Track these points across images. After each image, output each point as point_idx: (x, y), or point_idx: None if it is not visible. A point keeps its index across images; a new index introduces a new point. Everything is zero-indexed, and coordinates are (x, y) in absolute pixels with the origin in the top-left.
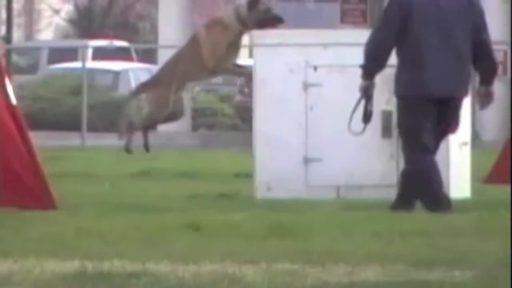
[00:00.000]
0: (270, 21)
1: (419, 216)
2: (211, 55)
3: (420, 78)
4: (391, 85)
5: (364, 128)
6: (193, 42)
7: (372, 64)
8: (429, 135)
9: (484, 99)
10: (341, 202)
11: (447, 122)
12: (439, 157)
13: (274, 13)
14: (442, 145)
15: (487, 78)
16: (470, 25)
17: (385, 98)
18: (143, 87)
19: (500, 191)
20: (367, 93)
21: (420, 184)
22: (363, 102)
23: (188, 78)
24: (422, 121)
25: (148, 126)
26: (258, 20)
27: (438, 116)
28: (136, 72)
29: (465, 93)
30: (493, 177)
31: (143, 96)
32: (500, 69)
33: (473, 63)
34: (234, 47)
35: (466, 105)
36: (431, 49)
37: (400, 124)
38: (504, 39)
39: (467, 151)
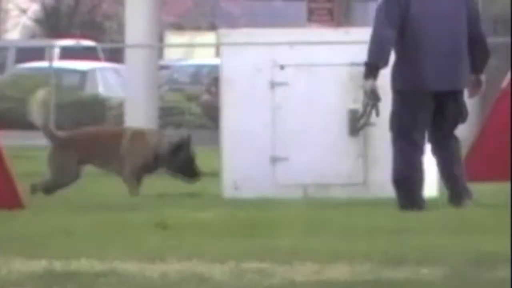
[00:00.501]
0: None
1: (387, 214)
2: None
3: (417, 72)
4: (358, 84)
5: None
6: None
7: (377, 61)
8: (421, 133)
9: (474, 87)
10: (308, 201)
11: (453, 113)
12: None
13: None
14: None
15: (479, 66)
16: (465, 18)
17: (352, 96)
18: None
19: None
20: (374, 95)
21: (402, 181)
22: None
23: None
24: (415, 118)
25: None
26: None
27: (440, 109)
28: (103, 72)
29: (463, 85)
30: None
31: None
32: None
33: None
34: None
35: None
36: (428, 42)
37: (393, 119)
38: None
39: None
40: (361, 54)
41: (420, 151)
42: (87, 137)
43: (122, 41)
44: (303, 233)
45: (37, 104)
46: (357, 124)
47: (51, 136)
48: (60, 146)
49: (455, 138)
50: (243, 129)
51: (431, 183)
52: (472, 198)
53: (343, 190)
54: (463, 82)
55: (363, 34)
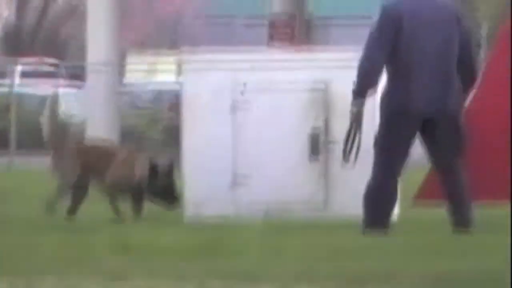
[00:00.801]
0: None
1: (348, 234)
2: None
3: (406, 95)
4: (319, 106)
5: (356, 157)
6: None
7: (367, 81)
8: (402, 158)
9: None
10: (270, 221)
11: (448, 140)
12: (368, 175)
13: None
14: (371, 163)
15: (466, 88)
16: (457, 41)
17: (312, 118)
18: None
19: (427, 209)
20: (358, 118)
21: (374, 204)
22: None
23: None
24: (399, 140)
25: None
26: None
27: (434, 136)
28: (64, 96)
29: (454, 110)
30: (421, 195)
31: None
32: None
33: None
34: None
35: None
36: (418, 66)
37: (377, 140)
38: None
39: None
40: (322, 76)
41: (397, 173)
42: (90, 149)
43: (84, 62)
44: (265, 254)
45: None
46: (345, 148)
47: (57, 146)
48: (66, 156)
49: (458, 166)
50: (205, 150)
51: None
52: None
53: (305, 211)
54: (453, 107)
55: (324, 56)
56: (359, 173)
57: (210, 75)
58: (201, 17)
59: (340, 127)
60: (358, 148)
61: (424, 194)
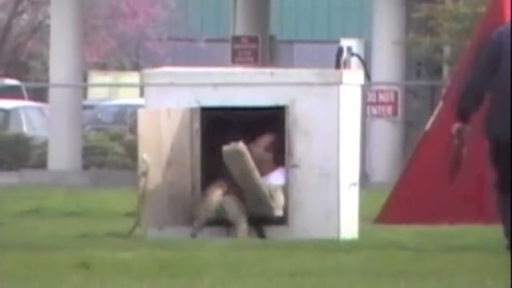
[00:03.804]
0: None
1: (309, 255)
2: None
3: (502, 121)
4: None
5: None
6: None
7: (468, 108)
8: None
9: None
10: (231, 241)
11: None
12: (329, 197)
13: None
14: (333, 185)
15: None
16: None
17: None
18: None
19: (388, 231)
20: (460, 137)
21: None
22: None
23: None
24: (505, 168)
25: None
26: None
27: None
28: (27, 110)
29: None
30: (382, 217)
31: None
32: (390, 110)
33: None
34: None
35: (355, 146)
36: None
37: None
38: (395, 80)
39: (355, 191)
40: (285, 96)
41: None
42: None
43: (46, 80)
44: (225, 274)
45: None
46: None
47: None
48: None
49: None
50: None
51: (353, 223)
52: None
53: (266, 231)
54: None
55: (288, 75)
56: (318, 197)
57: (172, 94)
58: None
59: (303, 147)
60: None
61: (382, 218)
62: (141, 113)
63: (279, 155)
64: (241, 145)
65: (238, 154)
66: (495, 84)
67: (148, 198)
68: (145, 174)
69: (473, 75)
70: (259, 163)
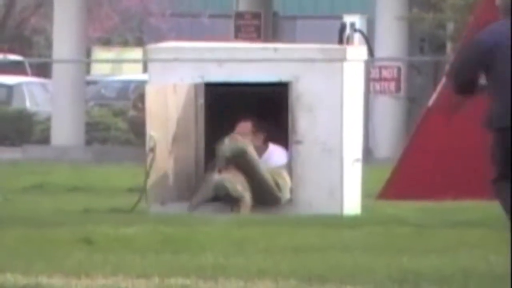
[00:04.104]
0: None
1: (312, 232)
2: None
3: (503, 108)
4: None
5: None
6: None
7: (462, 93)
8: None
9: None
10: (234, 218)
11: None
12: (333, 173)
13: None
14: (336, 161)
15: None
16: None
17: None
18: None
19: (391, 207)
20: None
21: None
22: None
23: None
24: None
25: None
26: None
27: None
28: (30, 86)
29: None
30: (385, 193)
31: None
32: (393, 86)
33: None
34: None
35: (359, 122)
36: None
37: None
38: (398, 56)
39: (359, 167)
40: (289, 72)
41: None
42: None
43: (50, 56)
44: (228, 249)
45: None
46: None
47: None
48: None
49: None
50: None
51: (356, 200)
52: None
53: (270, 207)
54: None
55: (291, 51)
56: (321, 172)
57: (176, 69)
58: (167, 15)
59: (306, 123)
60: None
61: (386, 194)
62: (148, 89)
63: (274, 132)
64: (241, 142)
65: (241, 151)
66: (494, 83)
67: (154, 174)
68: (152, 150)
69: (461, 66)
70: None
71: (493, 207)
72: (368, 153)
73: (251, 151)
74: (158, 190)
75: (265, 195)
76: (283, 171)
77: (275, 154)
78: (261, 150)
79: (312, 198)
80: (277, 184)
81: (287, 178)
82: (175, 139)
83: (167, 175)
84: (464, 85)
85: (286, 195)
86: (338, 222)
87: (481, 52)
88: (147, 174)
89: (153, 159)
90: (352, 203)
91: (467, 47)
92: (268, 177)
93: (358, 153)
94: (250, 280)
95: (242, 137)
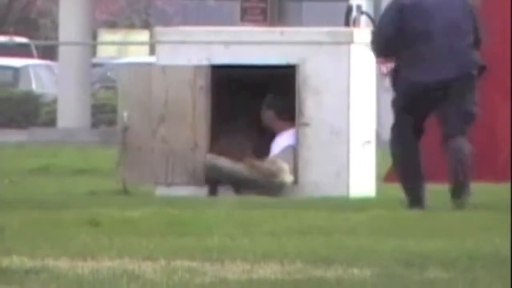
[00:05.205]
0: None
1: (318, 214)
2: None
3: (414, 68)
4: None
5: None
6: None
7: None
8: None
9: None
10: (240, 200)
11: (454, 108)
12: (340, 155)
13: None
14: (343, 143)
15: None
16: (466, 26)
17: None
18: None
19: (397, 189)
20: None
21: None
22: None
23: None
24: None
25: None
26: None
27: (442, 104)
28: (36, 68)
29: (461, 76)
30: (392, 175)
31: None
32: None
33: None
34: None
35: (371, 103)
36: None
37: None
38: None
39: (371, 149)
40: (296, 54)
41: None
42: None
43: (56, 38)
44: (234, 232)
45: None
46: None
47: None
48: None
49: (463, 138)
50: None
51: (368, 182)
52: (468, 197)
53: (262, 189)
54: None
55: (298, 34)
56: (328, 154)
57: (183, 52)
58: None
59: (313, 105)
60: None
61: (394, 176)
62: (122, 71)
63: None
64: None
65: (213, 169)
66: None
67: (132, 153)
68: (125, 130)
69: (380, 26)
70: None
71: (500, 190)
72: (375, 136)
73: (223, 164)
74: (140, 170)
75: (263, 188)
76: (277, 158)
77: (287, 137)
78: (282, 130)
79: (318, 180)
80: (272, 174)
81: (281, 163)
82: (162, 119)
83: (151, 154)
84: (382, 43)
85: (286, 179)
86: (345, 204)
87: (398, 10)
88: (121, 154)
89: (123, 139)
90: (361, 185)
91: (387, 8)
92: (255, 173)
93: (369, 135)
94: (256, 263)
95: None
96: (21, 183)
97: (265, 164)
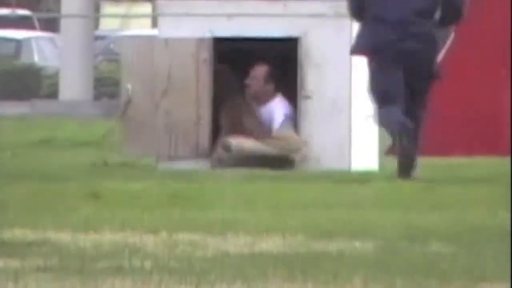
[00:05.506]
0: None
1: (320, 188)
2: None
3: (381, 35)
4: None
5: None
6: None
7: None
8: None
9: None
10: (242, 173)
11: (413, 81)
12: (341, 128)
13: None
14: (345, 117)
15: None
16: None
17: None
18: None
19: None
20: None
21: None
22: None
23: None
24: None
25: None
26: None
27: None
28: (38, 40)
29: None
30: (393, 149)
31: None
32: None
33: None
34: None
35: None
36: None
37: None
38: None
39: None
40: (298, 27)
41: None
42: None
43: (58, 10)
44: (237, 205)
45: None
46: None
47: None
48: None
49: (420, 111)
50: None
51: (371, 155)
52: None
53: (277, 164)
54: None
55: (300, 7)
56: (330, 129)
57: (186, 24)
58: None
59: (315, 79)
60: None
61: (395, 150)
62: (125, 43)
63: (279, 84)
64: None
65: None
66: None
67: (134, 126)
68: (128, 102)
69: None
70: (260, 94)
71: (503, 163)
72: None
73: (243, 146)
74: (141, 143)
75: (279, 162)
76: (289, 132)
77: (280, 105)
78: (268, 98)
79: (320, 154)
80: (297, 148)
81: (294, 136)
82: (166, 93)
83: (153, 128)
84: (354, 8)
85: (298, 154)
86: (347, 178)
87: None
88: (123, 127)
89: (125, 111)
90: (363, 158)
91: None
92: (274, 148)
93: (371, 109)
94: (258, 236)
95: (253, 81)
96: (23, 155)
97: (289, 139)
